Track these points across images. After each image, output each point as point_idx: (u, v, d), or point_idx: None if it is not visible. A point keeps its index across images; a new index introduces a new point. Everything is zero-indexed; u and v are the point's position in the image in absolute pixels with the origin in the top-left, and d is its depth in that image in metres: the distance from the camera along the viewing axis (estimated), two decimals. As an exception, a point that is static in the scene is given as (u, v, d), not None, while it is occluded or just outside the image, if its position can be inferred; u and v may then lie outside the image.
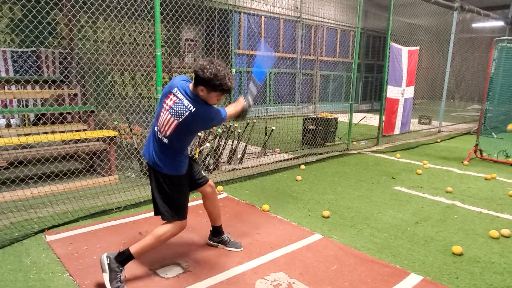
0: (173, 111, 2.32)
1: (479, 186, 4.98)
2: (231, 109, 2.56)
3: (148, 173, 2.65)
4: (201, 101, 2.34)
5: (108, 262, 2.34)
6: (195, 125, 2.37)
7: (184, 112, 2.30)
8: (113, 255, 2.38)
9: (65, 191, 4.12)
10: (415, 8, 8.66)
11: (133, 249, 2.40)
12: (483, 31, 13.50)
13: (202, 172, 2.84)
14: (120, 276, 2.35)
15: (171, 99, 2.35)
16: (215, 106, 2.46)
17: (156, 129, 2.45)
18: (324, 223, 3.61)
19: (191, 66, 10.16)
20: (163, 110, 2.39)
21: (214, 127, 5.63)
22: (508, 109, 6.80)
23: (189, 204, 3.83)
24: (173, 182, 2.47)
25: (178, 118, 2.31)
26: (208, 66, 2.25)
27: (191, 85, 2.37)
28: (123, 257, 2.39)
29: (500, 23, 12.82)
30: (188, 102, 2.31)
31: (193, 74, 2.34)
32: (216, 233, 3.01)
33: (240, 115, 2.61)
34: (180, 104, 2.32)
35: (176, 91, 2.36)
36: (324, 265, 2.80)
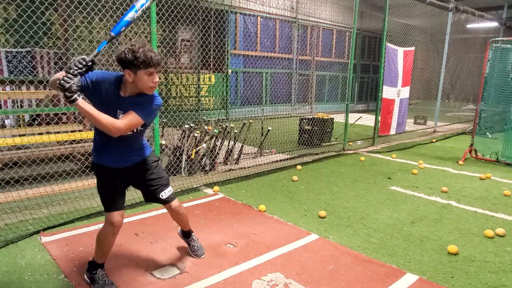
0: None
1: (474, 185, 5.01)
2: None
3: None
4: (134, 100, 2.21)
5: (86, 277, 2.50)
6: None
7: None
8: (87, 271, 2.52)
9: (61, 192, 4.10)
10: (411, 9, 8.71)
11: (94, 255, 2.50)
12: (477, 31, 13.60)
13: (166, 190, 2.56)
14: (96, 277, 2.44)
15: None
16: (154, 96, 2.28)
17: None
18: (321, 223, 3.61)
19: (187, 67, 10.15)
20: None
21: (210, 128, 5.63)
22: (502, 109, 6.85)
23: (185, 205, 3.84)
24: (97, 170, 2.42)
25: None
26: (121, 48, 2.11)
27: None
28: (90, 265, 2.50)
29: (494, 24, 12.92)
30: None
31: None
32: (184, 234, 2.91)
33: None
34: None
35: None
36: (320, 265, 2.81)
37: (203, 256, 2.87)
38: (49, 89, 5.67)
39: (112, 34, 2.22)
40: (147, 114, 2.22)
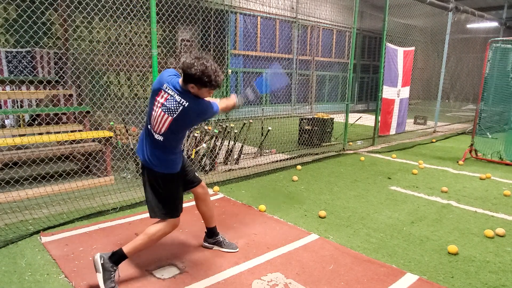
0: (166, 108, 2.31)
1: (474, 185, 5.01)
2: (222, 104, 2.59)
3: (141, 171, 2.64)
4: (192, 96, 2.33)
5: (102, 262, 2.34)
6: (189, 119, 2.36)
7: (177, 107, 2.30)
8: (106, 255, 2.38)
9: (61, 192, 4.10)
10: (411, 9, 8.70)
11: (126, 248, 2.40)
12: (477, 31, 13.59)
13: (196, 173, 2.83)
14: (113, 275, 2.35)
15: (162, 96, 2.33)
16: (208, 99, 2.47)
17: (149, 127, 2.43)
18: (321, 223, 3.61)
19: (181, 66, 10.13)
20: (154, 107, 2.36)
21: (210, 128, 5.63)
22: (502, 109, 6.85)
23: (185, 205, 3.84)
24: (167, 180, 2.47)
25: (172, 114, 2.31)
26: (195, 64, 2.21)
27: (180, 80, 2.35)
28: (116, 257, 2.39)
29: (495, 24, 12.92)
30: (180, 97, 2.30)
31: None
32: (211, 234, 2.99)
33: (228, 111, 2.72)
34: (172, 100, 2.31)
35: (167, 87, 2.33)
36: (320, 265, 2.81)
37: (237, 249, 2.97)
38: (49, 89, 5.68)
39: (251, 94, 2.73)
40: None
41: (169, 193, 2.49)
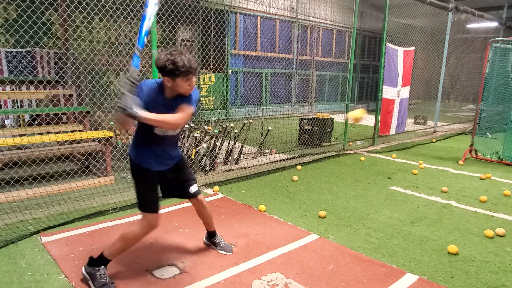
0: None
1: (474, 185, 5.01)
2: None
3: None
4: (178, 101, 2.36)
5: (85, 271, 2.46)
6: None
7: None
8: (87, 263, 2.49)
9: (61, 192, 4.10)
10: (411, 8, 8.70)
11: (106, 252, 2.46)
12: (477, 31, 13.59)
13: (195, 184, 2.73)
14: (98, 274, 2.40)
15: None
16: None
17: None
18: (321, 223, 3.61)
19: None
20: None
21: (210, 128, 5.63)
22: (502, 109, 6.85)
23: (185, 205, 3.84)
24: (136, 172, 2.49)
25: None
26: (162, 56, 2.24)
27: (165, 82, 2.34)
28: (97, 260, 2.46)
29: (495, 24, 12.91)
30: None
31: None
32: (209, 235, 3.03)
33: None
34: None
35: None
36: (320, 265, 2.81)
37: (231, 253, 2.95)
38: (49, 89, 5.68)
39: (140, 48, 2.32)
40: (194, 104, 2.42)
41: (138, 186, 2.52)
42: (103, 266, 2.44)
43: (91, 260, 2.47)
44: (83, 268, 2.49)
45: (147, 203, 2.49)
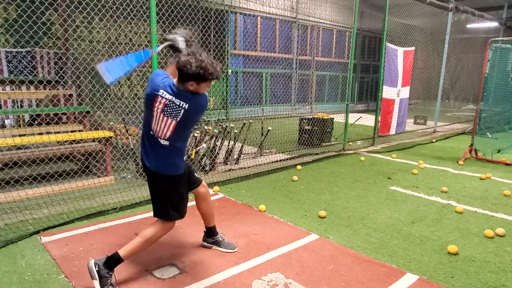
0: (167, 113, 2.30)
1: (474, 185, 5.01)
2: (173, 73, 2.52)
3: (146, 175, 2.63)
4: (190, 95, 2.30)
5: (97, 269, 2.34)
6: (192, 118, 2.38)
7: (179, 111, 2.29)
8: (101, 261, 2.37)
9: (61, 192, 4.10)
10: (411, 8, 8.70)
11: (122, 252, 2.39)
12: (477, 31, 13.59)
13: (195, 174, 2.83)
14: (110, 280, 2.34)
15: (160, 101, 2.29)
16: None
17: (151, 133, 2.39)
18: (321, 223, 3.61)
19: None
20: (154, 114, 2.32)
21: (210, 128, 5.63)
22: (502, 109, 6.85)
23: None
24: (174, 182, 2.48)
25: (175, 118, 2.30)
26: (191, 61, 2.18)
27: (175, 81, 2.31)
28: (112, 262, 2.37)
29: (494, 24, 12.92)
30: (179, 100, 2.28)
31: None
32: (210, 233, 3.00)
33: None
34: (172, 105, 2.29)
35: (163, 93, 2.29)
36: (320, 265, 2.81)
37: (235, 249, 2.96)
38: (49, 89, 5.67)
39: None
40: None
41: (176, 194, 2.50)
42: (114, 273, 2.39)
43: (108, 260, 2.36)
44: (94, 263, 2.34)
45: (180, 211, 2.53)
